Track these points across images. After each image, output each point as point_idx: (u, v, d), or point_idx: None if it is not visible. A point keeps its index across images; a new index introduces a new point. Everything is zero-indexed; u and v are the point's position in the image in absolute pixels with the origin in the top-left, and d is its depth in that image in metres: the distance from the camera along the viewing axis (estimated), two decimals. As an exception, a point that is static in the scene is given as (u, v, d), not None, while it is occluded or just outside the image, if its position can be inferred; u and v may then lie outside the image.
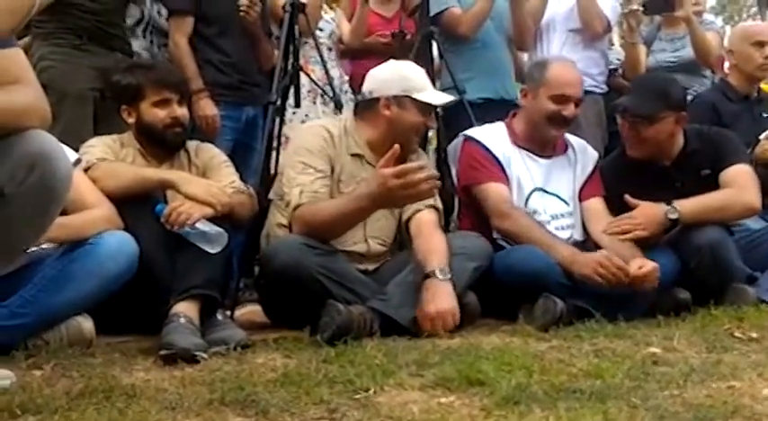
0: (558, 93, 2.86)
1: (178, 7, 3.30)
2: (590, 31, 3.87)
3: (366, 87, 2.74)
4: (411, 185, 2.31)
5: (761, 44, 3.56)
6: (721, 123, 3.28)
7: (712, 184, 2.87)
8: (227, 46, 3.34)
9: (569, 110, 2.87)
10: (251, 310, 2.69)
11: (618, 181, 2.94)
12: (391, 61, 2.85)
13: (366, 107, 2.71)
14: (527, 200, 2.87)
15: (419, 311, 2.34)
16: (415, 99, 2.63)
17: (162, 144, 2.66)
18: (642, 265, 2.52)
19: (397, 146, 2.40)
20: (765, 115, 3.49)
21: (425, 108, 2.66)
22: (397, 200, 2.40)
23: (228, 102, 3.34)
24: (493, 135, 2.94)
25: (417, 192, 2.34)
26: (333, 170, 2.60)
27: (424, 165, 2.42)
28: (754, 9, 18.75)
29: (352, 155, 2.65)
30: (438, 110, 3.68)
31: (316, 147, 2.59)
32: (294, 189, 2.51)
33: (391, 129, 2.63)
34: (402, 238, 2.74)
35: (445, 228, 2.83)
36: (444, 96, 2.81)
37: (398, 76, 2.69)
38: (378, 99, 2.65)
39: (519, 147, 2.93)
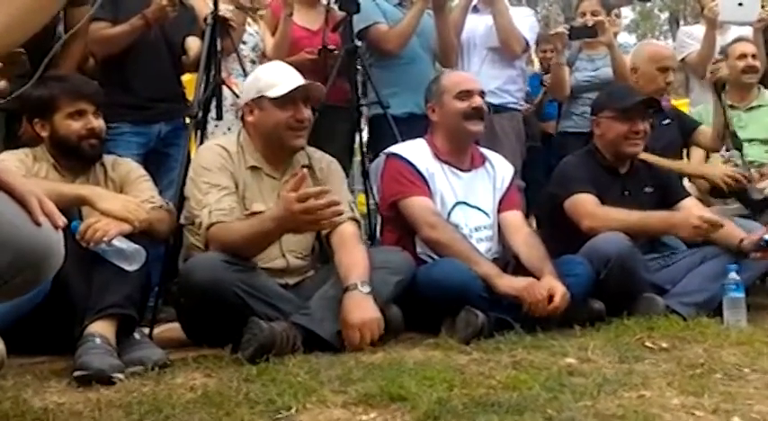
0: (460, 90, 3.00)
1: (100, 15, 3.20)
2: (508, 51, 3.96)
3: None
4: (312, 211, 2.29)
5: (665, 69, 3.74)
6: None
7: (654, 202, 3.16)
8: (133, 63, 3.27)
9: (477, 101, 2.99)
10: (170, 328, 2.64)
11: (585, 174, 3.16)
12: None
13: (242, 118, 2.72)
14: (449, 214, 2.93)
15: (343, 323, 2.34)
16: (270, 97, 2.60)
17: (78, 157, 2.59)
18: (552, 292, 2.59)
19: (304, 170, 2.41)
20: (665, 122, 3.71)
21: (284, 102, 2.59)
22: (299, 224, 2.37)
23: (135, 120, 3.28)
24: (415, 150, 3.00)
25: (318, 218, 2.32)
26: (237, 186, 2.58)
27: (327, 190, 2.38)
28: (666, 27, 19.61)
29: (250, 168, 2.63)
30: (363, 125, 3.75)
31: (216, 166, 2.56)
32: (203, 210, 2.48)
33: (260, 134, 2.64)
34: (324, 251, 2.74)
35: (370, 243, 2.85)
36: (296, 78, 2.66)
37: (253, 79, 2.71)
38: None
39: (441, 161, 2.99)
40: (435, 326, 2.59)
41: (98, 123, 2.60)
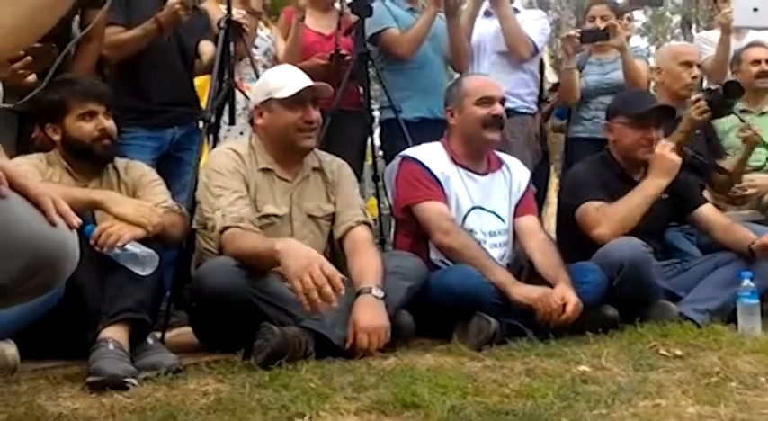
0: (481, 96, 2.97)
1: (114, 20, 3.21)
2: (516, 56, 3.94)
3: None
4: (317, 286, 2.19)
5: (689, 64, 3.71)
6: None
7: (669, 209, 3.14)
8: (146, 68, 3.28)
9: (497, 109, 2.96)
10: (182, 333, 2.64)
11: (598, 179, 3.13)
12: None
13: (252, 122, 2.74)
14: (464, 218, 2.91)
15: (353, 324, 2.33)
16: (278, 99, 2.61)
17: (90, 159, 2.59)
18: (565, 301, 2.59)
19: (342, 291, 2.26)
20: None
21: (293, 103, 2.60)
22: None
23: (149, 125, 3.29)
24: (431, 154, 2.98)
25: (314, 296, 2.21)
26: (248, 188, 2.58)
27: (345, 285, 2.27)
28: (678, 30, 19.51)
29: (262, 170, 2.64)
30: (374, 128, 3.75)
31: (228, 169, 2.57)
32: (216, 213, 2.49)
33: (271, 136, 2.65)
34: (336, 255, 2.74)
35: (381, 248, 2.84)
36: (304, 79, 2.67)
37: (261, 83, 2.73)
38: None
39: (457, 164, 2.98)
40: (447, 332, 2.58)
41: (109, 124, 2.59)
